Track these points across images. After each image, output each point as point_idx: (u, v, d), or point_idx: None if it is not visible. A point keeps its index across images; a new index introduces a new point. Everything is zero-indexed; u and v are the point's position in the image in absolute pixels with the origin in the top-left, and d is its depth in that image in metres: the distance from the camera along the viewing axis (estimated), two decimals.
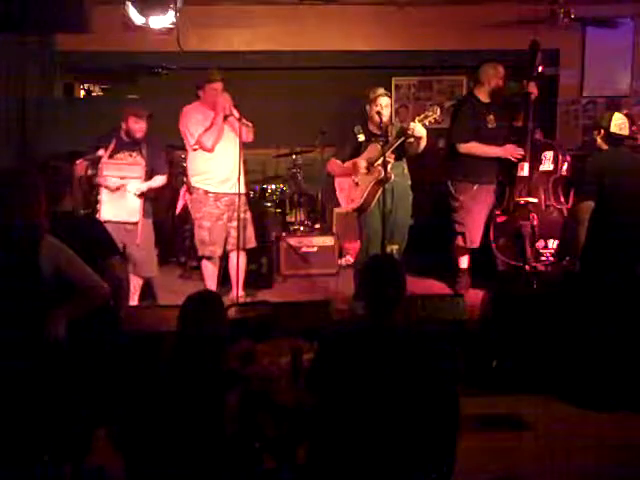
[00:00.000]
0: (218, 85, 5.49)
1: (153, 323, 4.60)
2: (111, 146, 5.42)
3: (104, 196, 5.34)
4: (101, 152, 5.40)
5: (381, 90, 5.39)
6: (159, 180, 5.62)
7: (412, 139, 5.23)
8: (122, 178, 5.39)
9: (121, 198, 5.39)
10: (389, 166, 5.20)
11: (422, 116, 5.19)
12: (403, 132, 5.23)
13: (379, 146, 5.28)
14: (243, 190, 5.64)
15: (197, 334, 3.01)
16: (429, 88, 7.92)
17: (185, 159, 5.93)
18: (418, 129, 5.15)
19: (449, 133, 6.03)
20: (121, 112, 5.51)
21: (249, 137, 5.58)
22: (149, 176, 5.52)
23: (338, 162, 5.57)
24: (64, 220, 3.42)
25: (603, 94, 7.68)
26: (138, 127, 5.42)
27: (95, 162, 5.39)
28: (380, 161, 5.23)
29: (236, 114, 5.46)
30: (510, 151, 5.69)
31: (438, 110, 5.18)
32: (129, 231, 5.38)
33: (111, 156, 5.42)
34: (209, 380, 2.94)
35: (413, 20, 7.18)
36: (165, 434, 2.91)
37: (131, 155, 5.45)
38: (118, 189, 5.35)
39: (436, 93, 7.92)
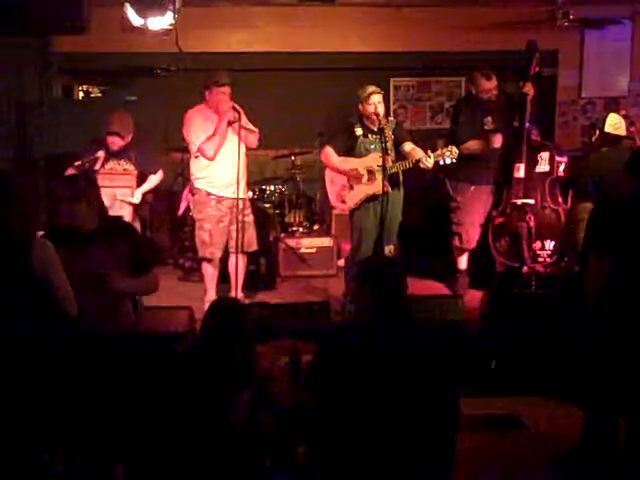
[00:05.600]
0: (226, 89, 5.38)
1: (154, 323, 4.60)
2: (102, 156, 5.39)
3: None
4: (100, 153, 5.39)
5: (372, 87, 5.38)
6: (154, 180, 5.64)
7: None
8: (113, 188, 5.36)
9: (112, 208, 5.36)
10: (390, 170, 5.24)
11: (438, 153, 5.18)
12: (416, 161, 5.21)
13: (379, 156, 5.26)
14: (244, 195, 5.64)
15: (222, 338, 3.04)
16: (428, 89, 7.92)
17: (184, 161, 5.94)
18: (430, 163, 5.16)
19: (450, 135, 6.03)
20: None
21: (253, 143, 5.57)
22: (141, 179, 5.53)
23: (334, 154, 5.53)
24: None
25: (602, 95, 7.70)
26: (117, 144, 5.41)
27: (93, 163, 5.38)
28: (381, 178, 5.22)
29: (244, 121, 5.43)
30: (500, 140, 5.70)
31: (455, 151, 5.18)
32: None
33: (102, 166, 5.39)
34: (225, 381, 2.96)
35: (411, 21, 7.20)
36: (172, 433, 2.92)
37: (119, 164, 5.43)
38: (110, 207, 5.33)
39: (435, 94, 7.92)
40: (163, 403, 2.98)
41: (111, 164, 5.39)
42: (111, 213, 5.23)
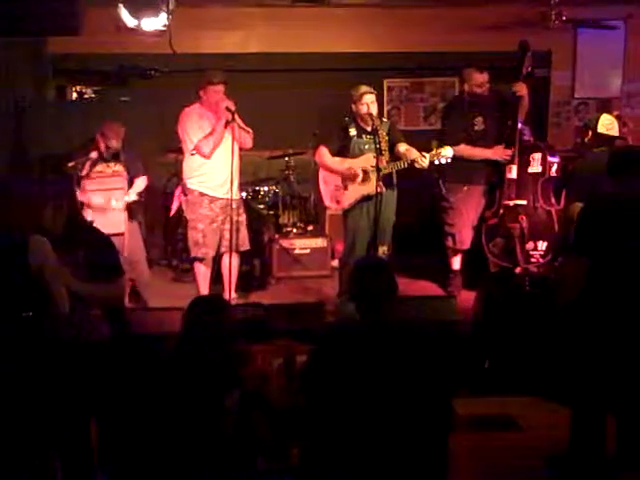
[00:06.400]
0: (220, 88, 5.43)
1: (147, 325, 4.60)
2: (93, 159, 5.40)
3: (89, 214, 5.22)
4: (94, 154, 5.38)
5: (364, 87, 5.40)
6: (140, 183, 5.70)
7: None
8: (106, 191, 5.40)
9: (106, 211, 5.38)
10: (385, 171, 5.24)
11: (433, 153, 5.19)
12: (412, 161, 5.23)
13: (373, 157, 5.26)
14: (238, 195, 5.65)
15: (202, 337, 3.03)
16: (421, 90, 7.93)
17: (178, 162, 5.93)
18: (425, 163, 5.18)
19: (440, 135, 6.04)
20: (113, 114, 5.53)
21: (248, 144, 5.58)
22: (129, 182, 5.57)
23: (328, 154, 5.54)
24: None
25: (594, 95, 7.72)
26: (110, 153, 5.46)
27: (84, 164, 5.38)
28: (375, 178, 5.22)
29: (238, 120, 5.44)
30: (499, 153, 5.71)
31: (450, 151, 5.20)
32: (118, 240, 5.37)
33: (92, 169, 5.40)
34: (210, 381, 2.95)
35: (405, 22, 7.20)
36: (163, 435, 2.92)
37: (109, 166, 5.44)
38: (103, 209, 5.34)
39: (428, 95, 7.93)
40: (152, 404, 2.98)
41: (100, 167, 5.40)
42: (105, 215, 5.31)
